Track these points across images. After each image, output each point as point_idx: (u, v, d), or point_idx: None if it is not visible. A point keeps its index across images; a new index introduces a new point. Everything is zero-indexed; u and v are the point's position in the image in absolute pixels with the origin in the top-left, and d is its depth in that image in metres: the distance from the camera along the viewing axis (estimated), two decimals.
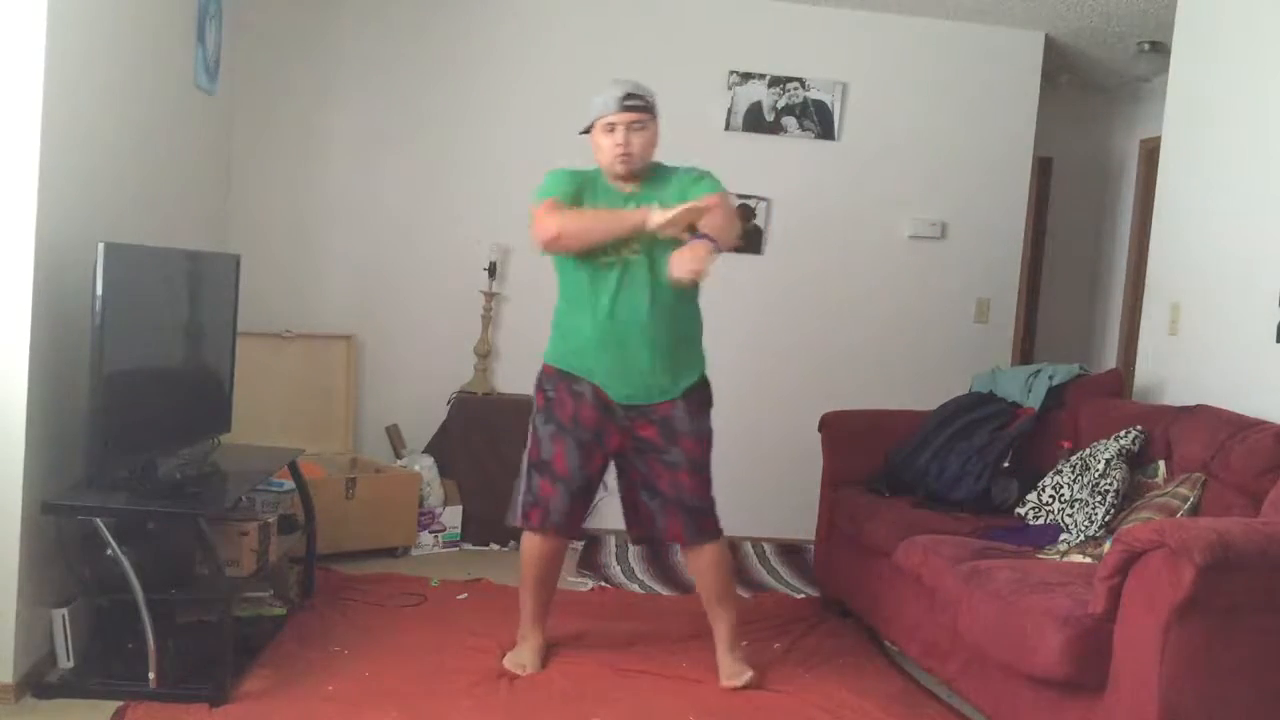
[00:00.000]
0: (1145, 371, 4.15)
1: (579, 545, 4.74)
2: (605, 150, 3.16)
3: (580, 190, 3.18)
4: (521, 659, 3.31)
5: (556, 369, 3.25)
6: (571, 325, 3.25)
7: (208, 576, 3.04)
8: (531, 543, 3.31)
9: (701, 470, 3.24)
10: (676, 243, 2.98)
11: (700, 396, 3.27)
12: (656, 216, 2.97)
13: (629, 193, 3.19)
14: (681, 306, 3.22)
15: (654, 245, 3.08)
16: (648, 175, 3.22)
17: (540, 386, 3.28)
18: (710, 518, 3.27)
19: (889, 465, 3.97)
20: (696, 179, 3.22)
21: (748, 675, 3.25)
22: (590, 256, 3.13)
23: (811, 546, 4.38)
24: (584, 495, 3.27)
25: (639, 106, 3.14)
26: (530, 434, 3.28)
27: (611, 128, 3.13)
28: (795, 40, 5.08)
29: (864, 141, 5.13)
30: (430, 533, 4.57)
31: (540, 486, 3.23)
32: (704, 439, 3.25)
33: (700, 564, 3.33)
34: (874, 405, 4.41)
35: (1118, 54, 5.36)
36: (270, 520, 3.36)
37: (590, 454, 3.21)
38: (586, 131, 3.22)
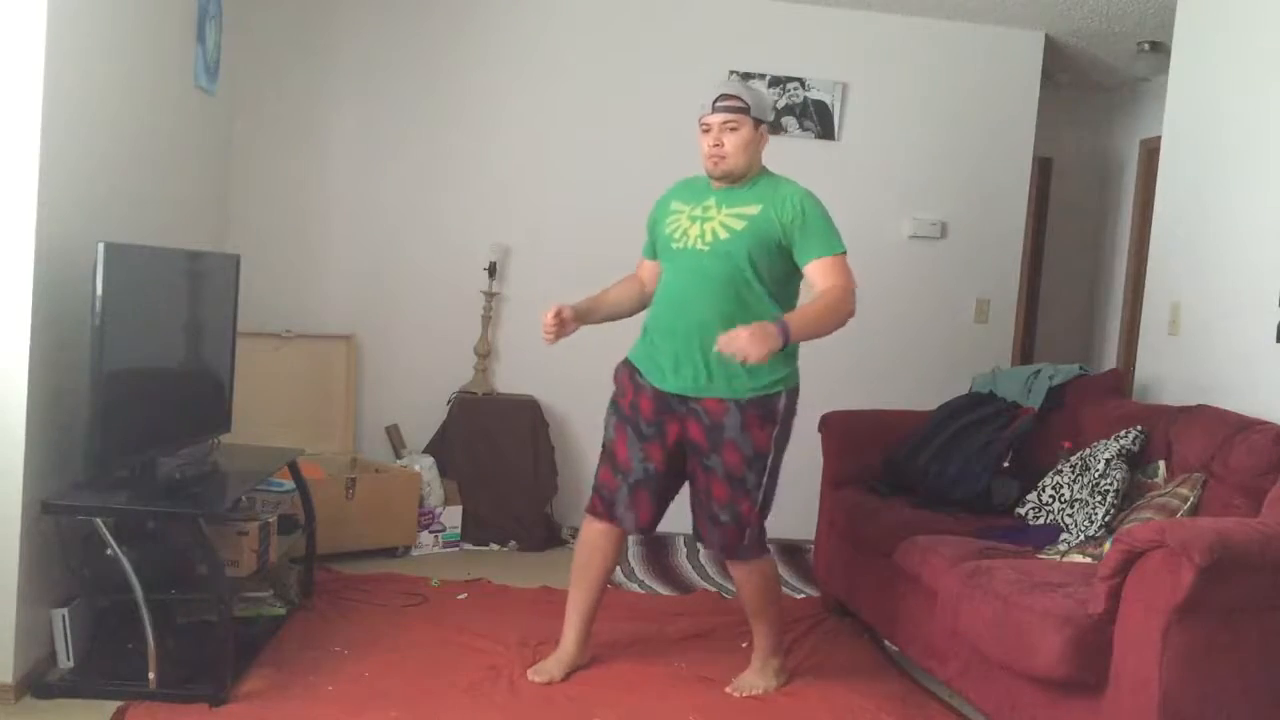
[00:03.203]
0: (1145, 371, 4.15)
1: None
2: (702, 151, 3.14)
3: (664, 205, 3.28)
4: (546, 665, 3.25)
5: (627, 359, 3.28)
6: (648, 316, 3.28)
7: (208, 576, 3.04)
8: (585, 530, 3.29)
9: (738, 485, 3.06)
10: (757, 244, 3.05)
11: (764, 410, 3.07)
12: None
13: (724, 189, 3.16)
14: (756, 305, 3.05)
15: (720, 239, 3.09)
16: (750, 182, 3.15)
17: (615, 374, 3.30)
18: (738, 536, 3.10)
19: (889, 465, 3.97)
20: (798, 213, 3.06)
21: (753, 689, 3.23)
22: (664, 244, 3.20)
23: (811, 546, 4.38)
24: (648, 487, 3.16)
25: (733, 106, 3.08)
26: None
27: (706, 129, 3.11)
28: (795, 40, 5.08)
29: (864, 141, 5.14)
30: (430, 533, 4.57)
31: (600, 473, 3.25)
32: (752, 455, 3.06)
33: (735, 577, 3.29)
34: (874, 405, 4.41)
35: (1118, 54, 5.36)
36: (270, 520, 3.36)
37: (650, 446, 3.15)
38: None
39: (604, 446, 3.25)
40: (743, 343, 2.74)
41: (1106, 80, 5.89)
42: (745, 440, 3.06)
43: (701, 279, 3.09)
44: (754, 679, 3.26)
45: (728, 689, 3.24)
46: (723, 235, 3.09)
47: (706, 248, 3.10)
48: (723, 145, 3.09)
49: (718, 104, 3.09)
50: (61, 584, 3.05)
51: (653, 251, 3.31)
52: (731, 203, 3.12)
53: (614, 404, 3.25)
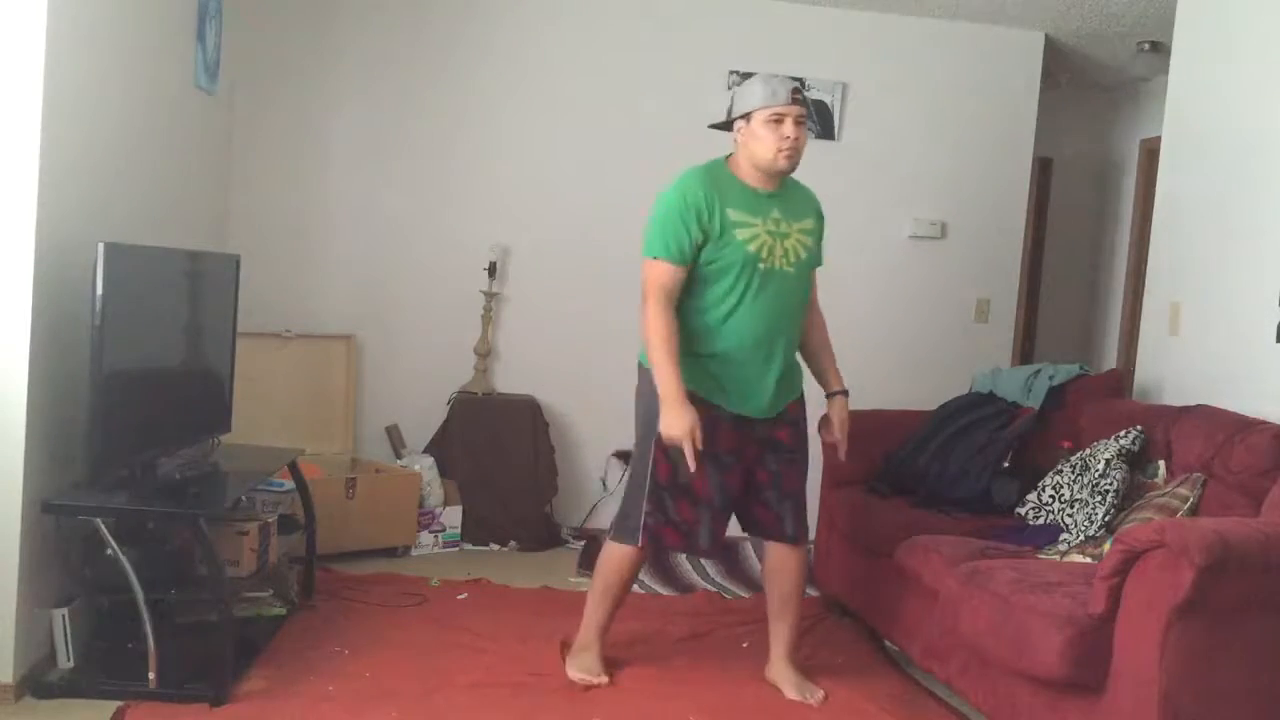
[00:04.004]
0: (1145, 371, 4.15)
1: (579, 546, 4.75)
2: (767, 143, 2.98)
3: (710, 208, 2.98)
4: (591, 666, 3.22)
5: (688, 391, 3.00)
6: (710, 346, 3.07)
7: (208, 576, 3.04)
8: (628, 558, 3.17)
9: (806, 470, 3.27)
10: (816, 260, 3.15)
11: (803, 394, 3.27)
12: (675, 427, 2.90)
13: (770, 192, 3.07)
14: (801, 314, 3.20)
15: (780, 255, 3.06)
16: (783, 184, 3.10)
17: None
18: (806, 517, 3.28)
19: (889, 465, 3.97)
20: (823, 222, 3.22)
21: (821, 694, 3.19)
22: (740, 260, 3.01)
23: (811, 546, 4.37)
24: (727, 512, 3.16)
25: (805, 102, 3.04)
26: (652, 453, 3.05)
27: (780, 119, 2.97)
28: (795, 40, 5.08)
29: (864, 141, 5.13)
30: (430, 533, 4.57)
31: (678, 509, 3.07)
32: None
33: (793, 562, 3.24)
34: (874, 405, 4.40)
35: (1118, 54, 5.36)
36: (270, 520, 3.36)
37: (730, 475, 3.10)
38: (725, 125, 3.12)
39: (671, 482, 3.05)
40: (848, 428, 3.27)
41: (1106, 80, 5.89)
42: (806, 425, 3.25)
43: (789, 301, 3.10)
44: (807, 681, 3.24)
45: (793, 696, 3.18)
46: (803, 255, 3.11)
47: (792, 269, 3.08)
48: (800, 139, 3.01)
49: (797, 96, 3.00)
50: (61, 584, 3.05)
51: (690, 257, 2.99)
52: (794, 216, 3.10)
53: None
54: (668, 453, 3.00)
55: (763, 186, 3.07)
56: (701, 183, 3.01)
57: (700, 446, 2.91)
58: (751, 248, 3.00)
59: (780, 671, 3.26)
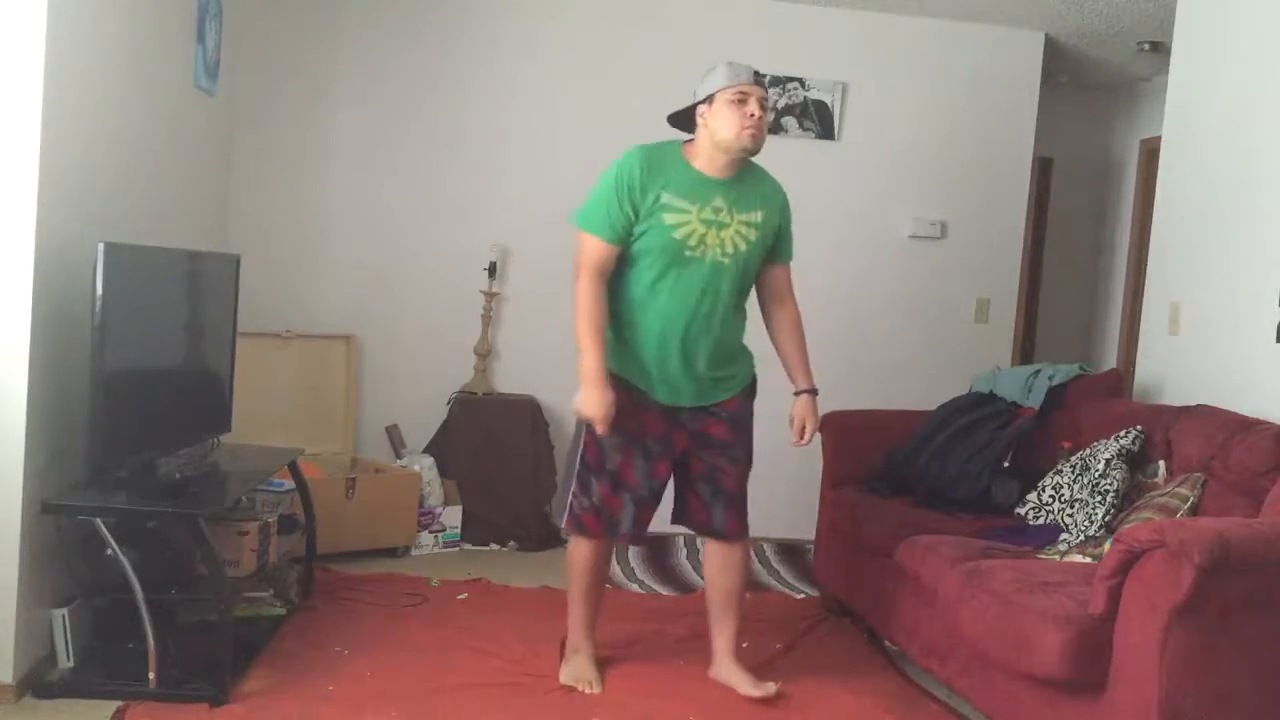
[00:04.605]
0: (1145, 371, 4.15)
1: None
2: (731, 123, 2.95)
3: (643, 187, 2.96)
4: (582, 672, 3.19)
5: (614, 373, 3.01)
6: (632, 330, 3.07)
7: (208, 576, 3.04)
8: (582, 550, 3.18)
9: (748, 467, 3.22)
10: (761, 253, 3.10)
11: (753, 389, 3.23)
12: (590, 406, 2.92)
13: (722, 180, 3.02)
14: (737, 310, 3.16)
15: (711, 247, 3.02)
16: (740, 171, 3.06)
17: None
18: (746, 515, 3.24)
19: (889, 465, 3.97)
20: (785, 215, 3.19)
21: (773, 687, 3.15)
22: (666, 246, 2.98)
23: (811, 546, 4.38)
24: (652, 502, 3.14)
25: (766, 90, 3.02)
26: (583, 436, 3.07)
27: (743, 98, 2.95)
28: (795, 40, 5.08)
29: (864, 141, 5.14)
30: (430, 533, 4.57)
31: (600, 493, 3.07)
32: (752, 433, 3.24)
33: (733, 559, 3.22)
34: (874, 405, 4.41)
35: (1118, 54, 5.36)
36: (270, 520, 3.36)
37: (658, 463, 3.09)
38: (684, 115, 3.09)
39: (600, 467, 3.06)
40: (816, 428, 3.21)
41: (1106, 80, 5.89)
42: (751, 422, 3.21)
43: (716, 291, 3.04)
44: (751, 676, 3.21)
45: (748, 692, 3.15)
46: (742, 247, 3.06)
47: (727, 259, 3.03)
48: (764, 120, 2.99)
49: (759, 77, 3.00)
50: (61, 584, 3.05)
51: (623, 236, 2.99)
52: (741, 207, 3.05)
53: (615, 422, 2.97)
54: (598, 437, 3.00)
55: (717, 174, 3.02)
56: (641, 161, 3.00)
57: (607, 429, 2.92)
58: (677, 234, 2.98)
59: (728, 670, 3.23)
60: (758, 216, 3.09)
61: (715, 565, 3.27)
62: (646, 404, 3.07)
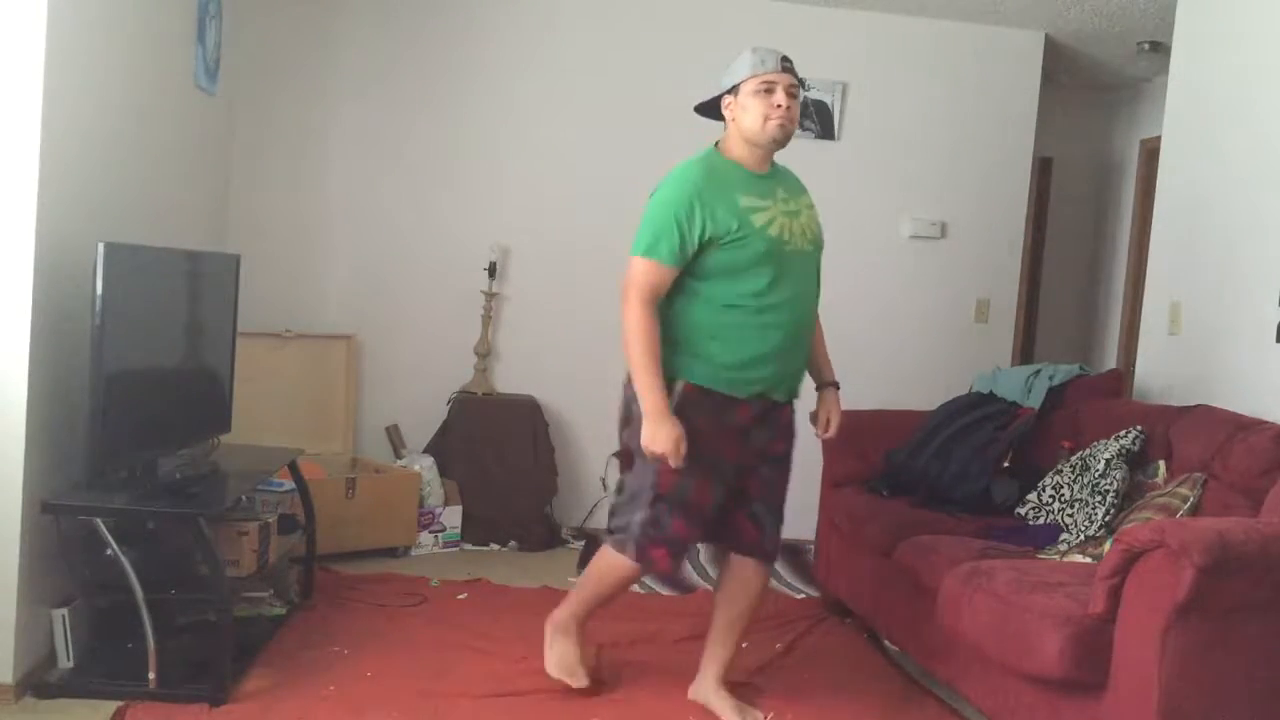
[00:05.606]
0: (1145, 371, 4.15)
1: (579, 545, 4.75)
2: (755, 113, 2.80)
3: (712, 204, 2.77)
4: (569, 663, 3.11)
5: (708, 389, 2.82)
6: (736, 334, 2.84)
7: (208, 576, 3.04)
8: (628, 571, 2.97)
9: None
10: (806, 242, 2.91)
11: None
12: (659, 443, 2.73)
13: (765, 174, 2.89)
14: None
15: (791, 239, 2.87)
16: (771, 162, 2.93)
17: (681, 408, 2.80)
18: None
19: (889, 465, 3.97)
20: (814, 213, 3.02)
21: (759, 716, 3.03)
22: (766, 245, 2.80)
23: (811, 546, 4.38)
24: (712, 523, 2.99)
25: (796, 74, 2.86)
26: (656, 469, 2.83)
27: (770, 88, 2.79)
28: (795, 40, 5.05)
29: (864, 141, 5.14)
30: (430, 533, 4.57)
31: (674, 527, 2.86)
32: None
33: (761, 580, 3.06)
34: (874, 405, 4.40)
35: (1118, 54, 5.36)
36: (270, 520, 3.36)
37: (725, 488, 2.92)
38: (711, 105, 2.93)
39: (676, 499, 2.84)
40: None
41: (1106, 80, 5.89)
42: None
43: (810, 282, 2.94)
44: (736, 699, 3.07)
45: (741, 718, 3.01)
46: (815, 232, 2.96)
47: (811, 246, 2.91)
48: (792, 109, 2.84)
49: (786, 64, 2.83)
50: (61, 584, 3.05)
51: (687, 258, 2.79)
52: (796, 193, 2.96)
53: (691, 450, 2.77)
54: (672, 468, 2.80)
55: (758, 168, 2.89)
56: (700, 177, 2.80)
57: (680, 460, 2.75)
58: (772, 231, 2.81)
59: (712, 694, 3.07)
60: (809, 202, 3.02)
61: (739, 583, 3.05)
62: (726, 421, 2.86)
